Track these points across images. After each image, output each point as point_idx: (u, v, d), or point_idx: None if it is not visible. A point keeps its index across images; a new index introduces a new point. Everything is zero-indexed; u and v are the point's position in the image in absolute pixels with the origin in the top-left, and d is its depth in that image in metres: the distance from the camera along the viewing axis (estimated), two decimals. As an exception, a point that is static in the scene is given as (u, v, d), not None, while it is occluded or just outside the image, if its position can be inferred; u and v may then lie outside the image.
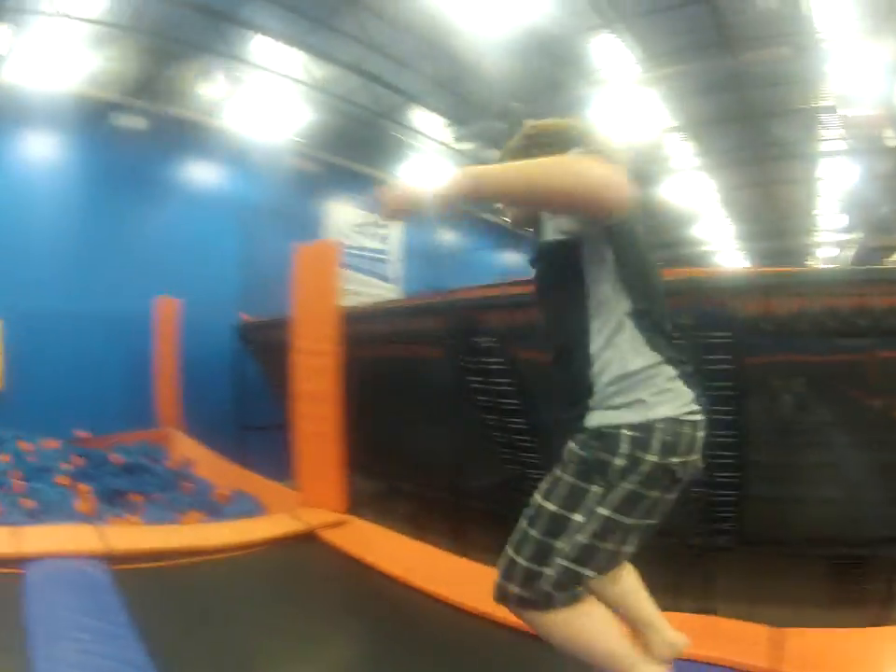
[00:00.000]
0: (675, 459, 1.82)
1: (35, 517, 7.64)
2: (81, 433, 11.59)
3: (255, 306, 11.94)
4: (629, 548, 1.97)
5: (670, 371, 1.88)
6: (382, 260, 17.27)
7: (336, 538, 5.70)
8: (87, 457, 10.33)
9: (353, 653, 4.00)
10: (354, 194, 16.65)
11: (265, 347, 11.60)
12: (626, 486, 1.81)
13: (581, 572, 1.85)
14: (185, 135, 14.06)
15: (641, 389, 1.83)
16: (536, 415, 6.40)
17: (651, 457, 1.79)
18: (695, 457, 1.89)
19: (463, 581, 4.34)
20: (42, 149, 13.20)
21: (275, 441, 12.07)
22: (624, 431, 1.80)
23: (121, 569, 5.44)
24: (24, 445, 10.62)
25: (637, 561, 2.30)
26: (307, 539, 5.89)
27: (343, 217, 16.57)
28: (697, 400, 1.89)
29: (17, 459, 9.89)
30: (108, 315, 12.40)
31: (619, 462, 1.79)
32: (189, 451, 10.73)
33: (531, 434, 6.50)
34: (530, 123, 2.29)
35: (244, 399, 12.23)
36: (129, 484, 9.34)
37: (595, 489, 1.81)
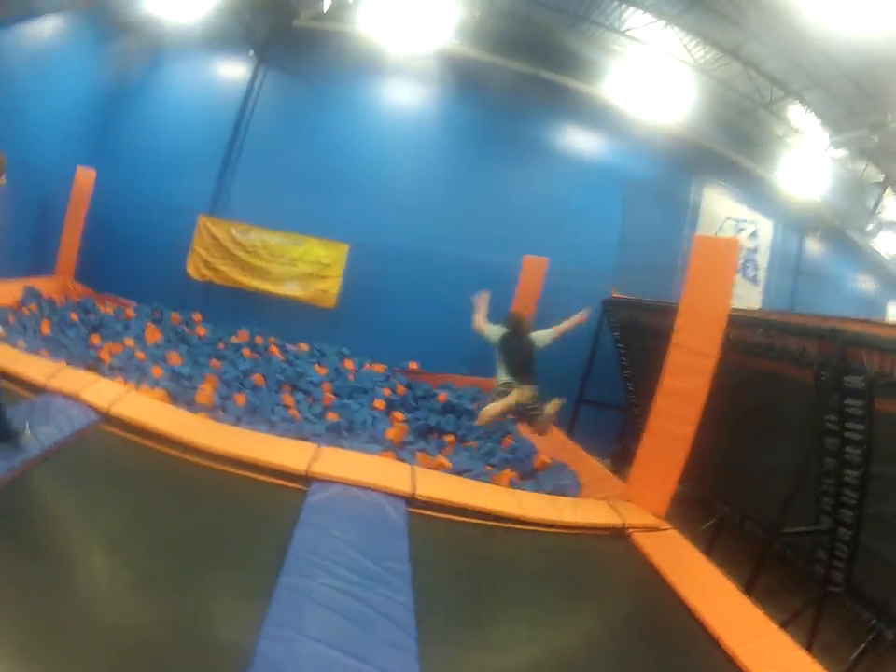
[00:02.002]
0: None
1: (337, 433, 7.51)
2: (411, 364, 11.61)
3: (626, 283, 11.42)
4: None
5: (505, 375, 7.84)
6: (749, 259, 15.49)
7: (647, 542, 5.42)
8: (410, 388, 10.19)
9: (602, 664, 3.79)
10: (730, 184, 15.15)
11: (629, 327, 10.96)
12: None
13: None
14: (564, 100, 13.62)
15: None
16: (870, 473, 6.02)
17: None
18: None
19: (743, 627, 4.14)
20: (408, 99, 13.67)
21: (607, 419, 12.32)
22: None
23: (419, 514, 5.09)
24: (348, 363, 10.90)
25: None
26: (617, 535, 5.62)
27: (718, 205, 15.09)
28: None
29: (335, 374, 10.09)
30: (464, 261, 12.35)
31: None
32: (519, 407, 10.19)
33: (859, 492, 6.12)
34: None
35: (590, 372, 11.73)
36: (447, 424, 8.82)
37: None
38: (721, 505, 8.46)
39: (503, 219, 12.87)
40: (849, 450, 6.02)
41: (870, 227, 16.80)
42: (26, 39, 10.52)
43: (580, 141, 14.26)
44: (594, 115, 13.74)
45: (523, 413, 8.10)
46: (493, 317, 8.53)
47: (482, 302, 8.58)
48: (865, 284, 18.11)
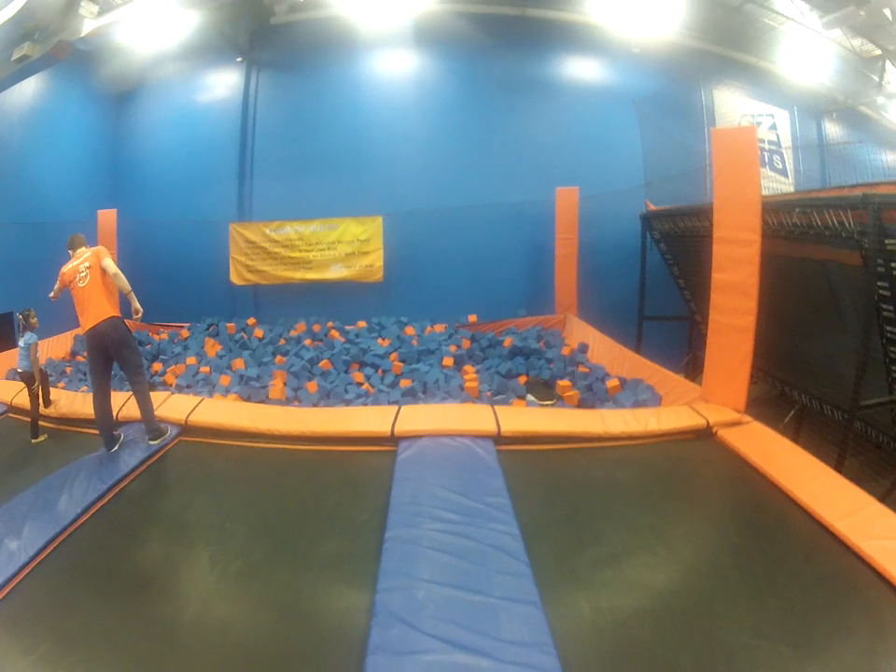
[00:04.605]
0: None
1: (412, 396, 7.55)
2: (470, 317, 11.55)
3: (658, 195, 11.29)
4: None
5: None
6: (774, 151, 15.20)
7: (733, 437, 5.32)
8: (475, 340, 10.16)
9: (709, 560, 3.76)
10: (737, 82, 14.72)
11: (671, 236, 10.75)
12: None
13: None
14: (558, 34, 13.21)
15: None
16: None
17: None
18: None
19: (841, 503, 4.04)
20: (404, 65, 13.35)
21: (672, 333, 12.11)
22: None
23: (508, 450, 5.10)
24: (409, 330, 10.88)
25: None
26: (704, 435, 5.55)
27: (730, 105, 14.73)
28: None
29: (399, 342, 10.09)
30: (498, 208, 12.29)
31: None
32: (585, 336, 10.03)
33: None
34: None
35: (644, 289, 11.58)
36: (518, 367, 8.88)
37: None
38: (797, 396, 8.25)
39: (526, 161, 12.65)
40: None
41: (880, 100, 16.26)
42: (18, 106, 10.86)
43: (582, 71, 13.82)
44: (588, 42, 13.38)
45: None
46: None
47: None
48: (890, 155, 17.27)
